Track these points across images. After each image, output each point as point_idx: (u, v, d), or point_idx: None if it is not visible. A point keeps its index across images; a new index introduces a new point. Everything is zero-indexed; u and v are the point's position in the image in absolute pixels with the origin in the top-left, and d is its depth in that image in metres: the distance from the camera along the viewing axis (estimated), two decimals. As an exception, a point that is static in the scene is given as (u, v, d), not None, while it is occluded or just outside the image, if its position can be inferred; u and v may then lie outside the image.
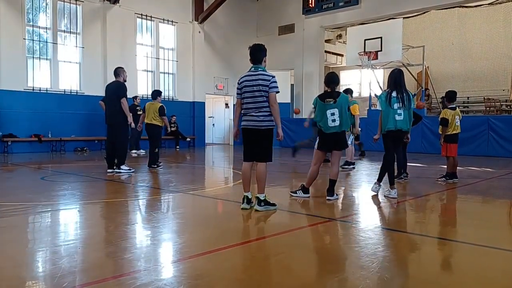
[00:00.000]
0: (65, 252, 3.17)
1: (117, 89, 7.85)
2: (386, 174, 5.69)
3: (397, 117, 5.43)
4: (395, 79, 5.56)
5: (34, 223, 4.31)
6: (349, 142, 8.31)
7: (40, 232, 3.92)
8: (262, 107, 4.62)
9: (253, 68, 4.73)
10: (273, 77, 4.66)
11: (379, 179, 5.86)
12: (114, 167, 7.98)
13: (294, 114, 18.55)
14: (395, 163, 5.94)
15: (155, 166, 8.90)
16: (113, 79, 8.25)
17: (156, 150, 8.95)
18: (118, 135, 7.94)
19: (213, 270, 2.83)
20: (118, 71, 8.20)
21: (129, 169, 8.09)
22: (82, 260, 3.01)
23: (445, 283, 2.67)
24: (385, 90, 5.70)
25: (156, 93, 9.24)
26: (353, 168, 8.97)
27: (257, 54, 4.73)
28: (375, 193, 5.82)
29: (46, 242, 3.50)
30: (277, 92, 4.66)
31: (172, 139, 16.10)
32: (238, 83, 4.78)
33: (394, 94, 5.47)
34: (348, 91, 8.56)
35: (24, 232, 3.95)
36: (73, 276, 2.66)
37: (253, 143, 4.74)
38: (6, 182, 7.37)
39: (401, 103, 5.42)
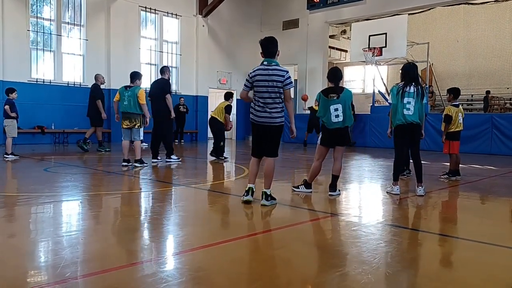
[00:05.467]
0: (68, 242, 3.18)
1: (163, 86, 8.52)
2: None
3: (405, 111, 5.34)
4: (411, 73, 5.49)
5: (37, 213, 4.33)
6: (141, 137, 7.98)
7: (43, 223, 3.93)
8: (276, 103, 4.55)
9: (265, 62, 4.58)
10: (287, 72, 4.57)
11: (395, 179, 5.56)
12: (159, 157, 8.52)
13: (303, 104, 18.22)
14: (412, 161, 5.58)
15: (222, 158, 9.50)
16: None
17: (221, 143, 9.55)
18: (164, 128, 8.61)
19: (214, 263, 2.84)
20: (163, 69, 8.88)
21: (178, 158, 8.83)
22: (84, 251, 3.02)
23: (446, 279, 2.66)
24: (397, 84, 5.64)
25: (229, 95, 9.83)
26: (146, 165, 8.02)
27: (271, 47, 4.60)
28: (397, 194, 5.44)
29: (48, 232, 3.51)
30: (292, 87, 4.61)
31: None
32: (249, 76, 4.62)
33: (407, 88, 5.40)
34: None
35: (27, 223, 3.97)
36: (76, 266, 2.67)
37: (263, 139, 4.69)
38: (10, 173, 7.39)
39: (416, 97, 5.36)
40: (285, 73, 4.53)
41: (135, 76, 8.11)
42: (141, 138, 8.30)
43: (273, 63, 4.57)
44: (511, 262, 3.06)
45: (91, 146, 11.30)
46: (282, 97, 4.57)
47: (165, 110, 8.48)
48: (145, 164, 8.00)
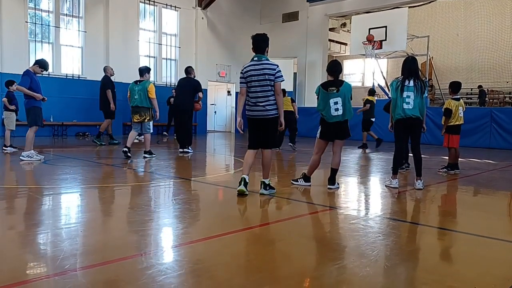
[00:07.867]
0: (67, 235, 3.19)
1: (196, 86, 9.18)
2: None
3: (405, 105, 5.34)
4: (411, 67, 5.48)
5: (36, 206, 4.33)
6: (151, 130, 8.32)
7: (42, 215, 3.93)
8: (268, 96, 4.69)
9: (256, 58, 4.76)
10: (277, 66, 4.74)
11: (394, 172, 5.56)
12: (189, 148, 9.20)
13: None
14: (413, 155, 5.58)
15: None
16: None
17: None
18: (189, 121, 9.35)
19: (213, 256, 2.84)
20: (189, 70, 9.40)
21: (191, 150, 9.39)
22: (83, 243, 3.03)
23: (444, 272, 2.68)
24: (396, 78, 5.63)
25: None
26: (155, 155, 8.23)
27: (261, 44, 4.79)
28: (396, 188, 5.45)
29: (48, 225, 3.52)
30: (282, 81, 4.73)
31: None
32: (242, 73, 4.79)
33: (407, 82, 5.39)
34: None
35: (26, 215, 3.96)
36: (75, 258, 2.67)
37: (260, 132, 4.82)
38: (8, 165, 7.39)
39: (415, 91, 5.35)
40: (276, 66, 4.71)
41: (144, 70, 8.31)
42: (151, 131, 8.37)
43: (263, 58, 4.74)
44: (509, 256, 3.07)
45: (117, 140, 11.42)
46: (273, 90, 4.71)
47: (190, 106, 9.17)
48: (154, 155, 8.15)
